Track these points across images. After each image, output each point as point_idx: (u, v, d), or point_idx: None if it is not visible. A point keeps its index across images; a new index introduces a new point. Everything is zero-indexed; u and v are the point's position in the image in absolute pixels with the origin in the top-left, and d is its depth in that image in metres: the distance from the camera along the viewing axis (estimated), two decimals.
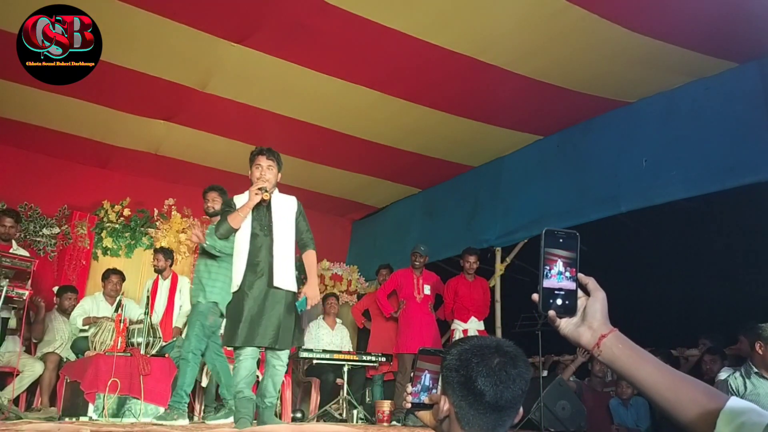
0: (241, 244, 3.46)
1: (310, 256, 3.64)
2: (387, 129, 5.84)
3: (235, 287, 3.42)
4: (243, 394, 3.35)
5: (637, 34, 4.20)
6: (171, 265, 5.64)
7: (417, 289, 5.84)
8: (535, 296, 0.94)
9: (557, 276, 0.93)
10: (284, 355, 3.49)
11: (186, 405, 4.13)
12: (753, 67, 4.45)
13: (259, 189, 3.43)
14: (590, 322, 0.91)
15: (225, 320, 3.45)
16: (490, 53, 4.57)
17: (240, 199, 3.55)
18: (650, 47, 4.33)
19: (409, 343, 5.58)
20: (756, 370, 3.60)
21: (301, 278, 3.75)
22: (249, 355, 3.36)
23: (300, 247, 3.63)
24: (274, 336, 3.36)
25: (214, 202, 4.58)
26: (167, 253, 5.66)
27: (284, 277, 3.44)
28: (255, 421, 3.48)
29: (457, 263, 6.14)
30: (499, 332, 6.12)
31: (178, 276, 5.71)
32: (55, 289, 5.74)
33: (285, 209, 3.57)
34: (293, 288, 3.50)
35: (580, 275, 0.94)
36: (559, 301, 0.93)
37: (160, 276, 5.48)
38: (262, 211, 3.50)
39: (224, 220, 3.47)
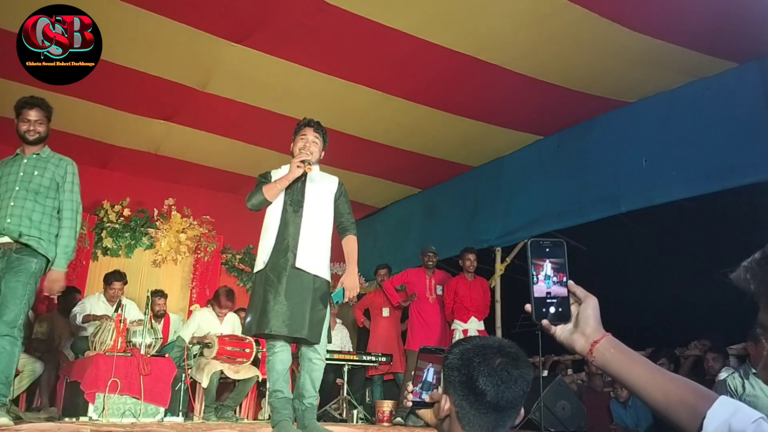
0: (271, 219, 3.13)
1: (350, 242, 3.24)
2: (387, 129, 5.84)
3: (259, 266, 3.09)
4: (283, 393, 3.01)
5: (637, 34, 4.20)
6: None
7: (429, 289, 5.83)
8: (528, 306, 0.95)
9: (545, 281, 0.94)
10: (322, 348, 3.09)
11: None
12: (753, 67, 4.45)
13: (302, 161, 3.10)
14: (583, 329, 0.93)
15: (250, 306, 3.13)
16: (490, 52, 4.57)
17: (278, 173, 3.25)
18: (650, 47, 4.33)
19: (420, 341, 5.46)
20: (754, 370, 3.59)
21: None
22: (285, 346, 3.03)
23: (339, 232, 3.27)
24: (306, 326, 2.96)
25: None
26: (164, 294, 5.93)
27: (309, 259, 3.03)
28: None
29: (457, 263, 6.14)
30: (499, 332, 6.11)
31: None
32: None
33: (323, 188, 3.23)
34: (322, 275, 3.08)
35: (570, 283, 0.95)
36: (552, 309, 0.94)
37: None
38: (297, 185, 3.17)
39: (258, 190, 3.12)
